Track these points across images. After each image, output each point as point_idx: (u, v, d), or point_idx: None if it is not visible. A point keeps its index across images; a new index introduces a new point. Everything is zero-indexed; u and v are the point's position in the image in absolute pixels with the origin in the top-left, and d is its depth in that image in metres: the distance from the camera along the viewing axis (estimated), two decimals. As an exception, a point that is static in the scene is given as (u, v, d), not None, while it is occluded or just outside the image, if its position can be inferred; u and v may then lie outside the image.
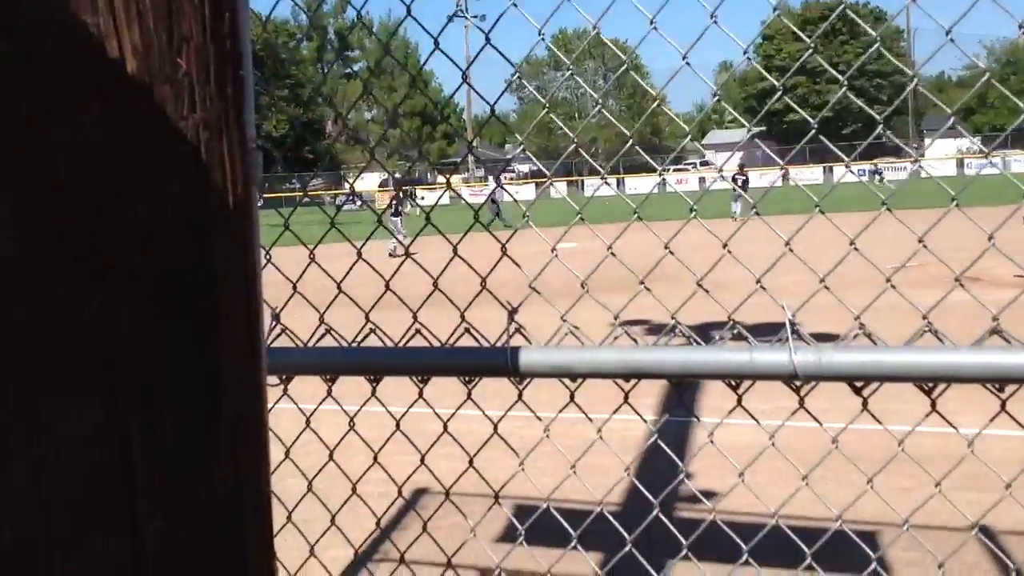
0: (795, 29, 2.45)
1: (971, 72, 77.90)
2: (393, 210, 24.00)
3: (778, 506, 1.95)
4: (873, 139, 2.03)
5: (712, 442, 1.89)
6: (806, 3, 78.58)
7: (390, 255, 19.51)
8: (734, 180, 29.21)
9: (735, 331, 1.90)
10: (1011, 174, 2.04)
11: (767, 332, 1.81)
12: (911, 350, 1.70)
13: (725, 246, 1.88)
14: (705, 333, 1.98)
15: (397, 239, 3.62)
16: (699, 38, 1.97)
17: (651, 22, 1.94)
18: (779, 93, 1.84)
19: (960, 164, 57.38)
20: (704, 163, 63.30)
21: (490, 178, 66.78)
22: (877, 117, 1.82)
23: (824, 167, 54.37)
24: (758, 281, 1.82)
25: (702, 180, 57.97)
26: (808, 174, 54.45)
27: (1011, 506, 1.94)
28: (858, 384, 1.76)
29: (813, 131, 1.78)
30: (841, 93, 1.83)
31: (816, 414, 1.88)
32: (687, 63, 1.92)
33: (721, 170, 11.28)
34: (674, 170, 63.08)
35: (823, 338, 1.83)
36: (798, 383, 1.77)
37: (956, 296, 1.78)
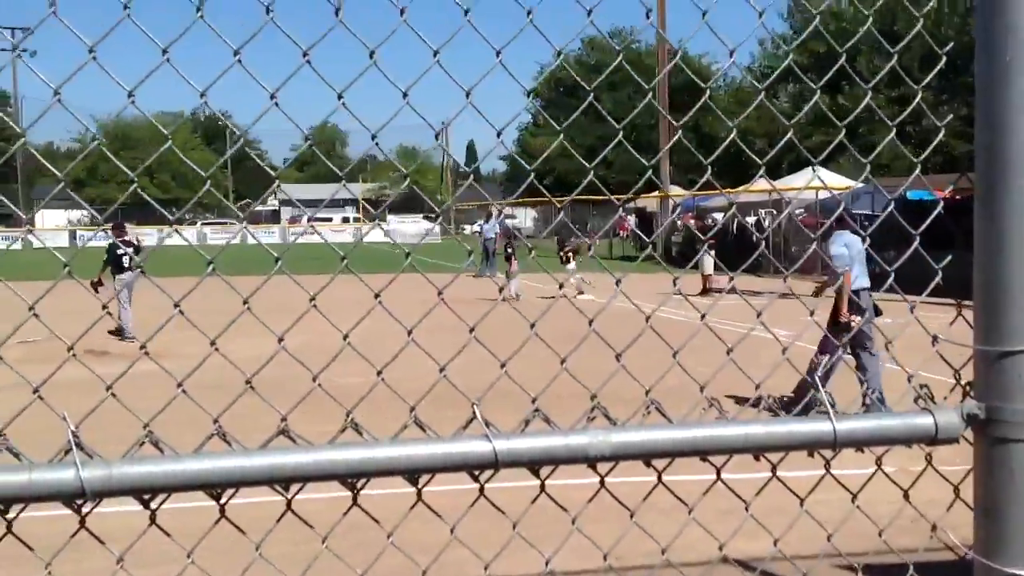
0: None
1: (82, 143, 79.14)
2: None
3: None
4: None
5: None
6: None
7: None
8: None
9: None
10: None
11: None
12: (199, 458, 1.66)
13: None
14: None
15: None
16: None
17: None
18: None
19: (73, 236, 58.22)
20: None
21: None
22: None
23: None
24: None
25: None
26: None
27: None
28: (146, 497, 1.66)
29: None
30: None
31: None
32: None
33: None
34: None
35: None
36: (80, 502, 1.59)
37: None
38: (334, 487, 1.73)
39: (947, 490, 2.09)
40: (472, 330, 1.99)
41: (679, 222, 30.81)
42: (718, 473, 2.00)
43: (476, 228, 37.02)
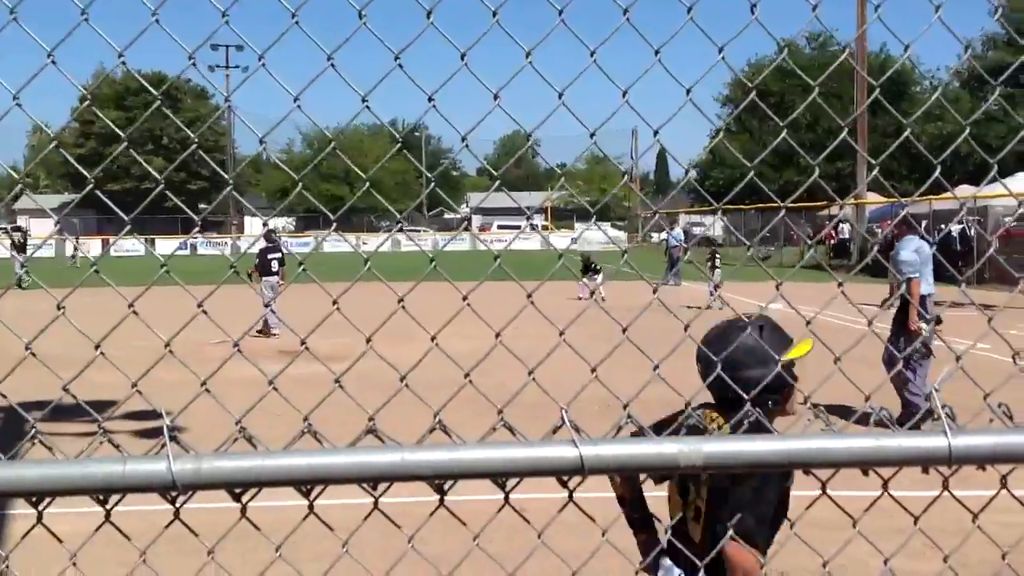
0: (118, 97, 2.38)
1: (288, 154, 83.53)
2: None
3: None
4: (209, 213, 2.04)
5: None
6: (128, 72, 77.87)
7: None
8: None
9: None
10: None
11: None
12: (288, 455, 1.71)
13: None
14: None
15: None
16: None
17: None
18: (107, 160, 1.75)
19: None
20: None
21: None
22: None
23: (146, 238, 54.02)
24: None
25: None
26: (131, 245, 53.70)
27: None
28: (238, 491, 1.72)
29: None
30: (168, 170, 1.81)
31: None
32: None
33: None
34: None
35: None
36: (175, 493, 1.67)
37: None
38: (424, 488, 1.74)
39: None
40: (623, 330, 1.97)
41: (878, 230, 29.44)
42: (823, 487, 1.90)
43: (663, 236, 36.75)
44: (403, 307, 1.83)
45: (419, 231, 73.29)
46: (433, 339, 1.84)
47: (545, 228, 71.45)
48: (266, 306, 2.15)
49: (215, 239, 62.10)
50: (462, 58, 1.83)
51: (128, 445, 1.73)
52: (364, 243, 58.91)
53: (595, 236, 58.96)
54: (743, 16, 1.91)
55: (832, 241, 41.09)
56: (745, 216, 49.00)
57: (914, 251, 9.21)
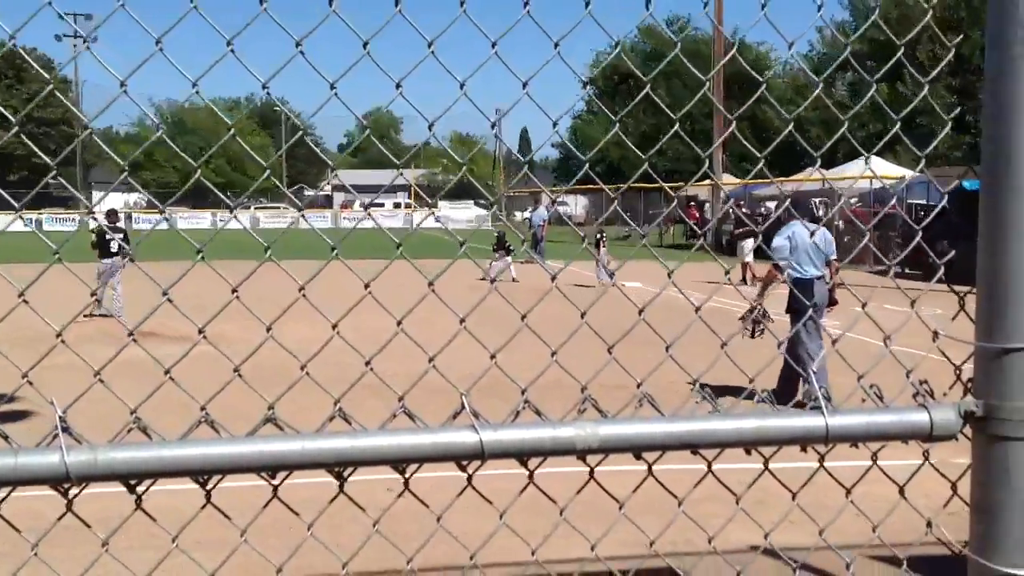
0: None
1: (140, 128, 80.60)
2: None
3: None
4: (41, 188, 1.97)
5: None
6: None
7: None
8: None
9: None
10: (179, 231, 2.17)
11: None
12: (187, 444, 1.69)
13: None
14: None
15: None
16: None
17: None
18: None
19: (128, 218, 58.93)
20: None
21: None
22: (51, 163, 1.71)
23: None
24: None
25: None
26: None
27: None
28: (132, 482, 1.69)
29: None
30: (9, 135, 1.77)
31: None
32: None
33: None
34: None
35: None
36: (67, 486, 1.63)
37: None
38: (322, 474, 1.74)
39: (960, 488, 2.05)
40: (524, 317, 2.00)
41: (730, 211, 30.50)
42: (709, 466, 1.99)
43: (526, 215, 37.09)
44: (303, 295, 1.82)
45: (279, 208, 71.76)
46: (334, 327, 1.84)
47: (408, 207, 71.05)
48: (93, 293, 2.09)
49: (62, 215, 59.19)
50: (297, 45, 1.82)
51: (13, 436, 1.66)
52: (222, 221, 57.23)
53: (460, 215, 59.10)
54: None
55: (695, 221, 42.28)
56: (606, 198, 49.87)
57: (786, 238, 9.55)
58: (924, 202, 26.28)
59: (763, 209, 36.71)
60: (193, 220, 58.25)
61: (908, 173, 27.33)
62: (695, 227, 38.27)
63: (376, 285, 1.81)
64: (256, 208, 70.23)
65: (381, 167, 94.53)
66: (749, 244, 23.31)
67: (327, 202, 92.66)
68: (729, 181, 38.63)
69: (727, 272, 2.14)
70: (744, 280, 23.08)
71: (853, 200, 30.08)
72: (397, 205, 73.48)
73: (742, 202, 34.86)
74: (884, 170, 28.59)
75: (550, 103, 1.91)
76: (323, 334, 1.81)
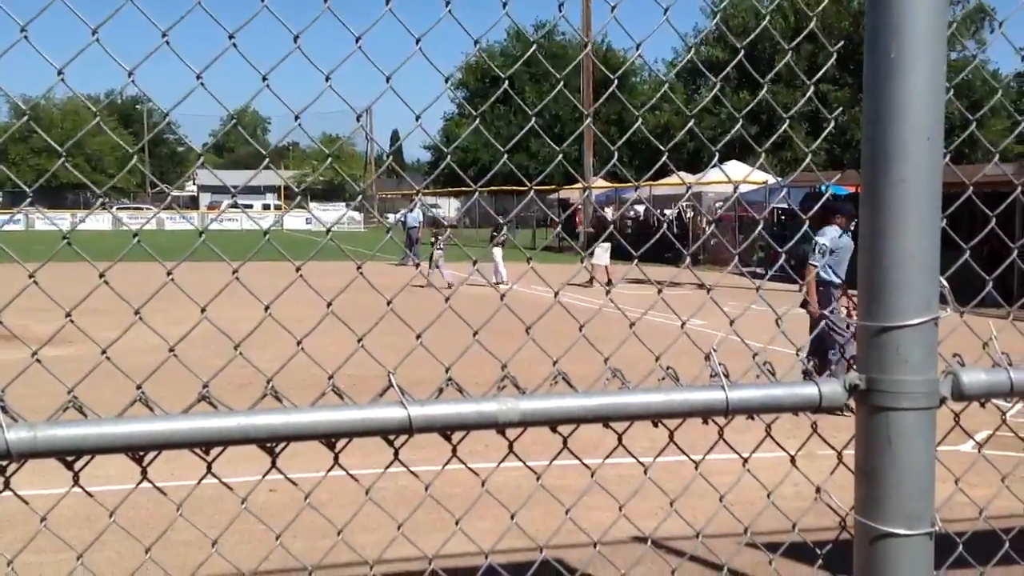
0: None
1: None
2: None
3: None
4: None
5: None
6: None
7: None
8: None
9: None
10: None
11: None
12: (126, 421, 1.73)
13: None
14: None
15: None
16: None
17: None
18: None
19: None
20: None
21: None
22: None
23: None
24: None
25: None
26: None
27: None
28: (70, 459, 1.72)
29: None
30: None
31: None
32: None
33: None
34: None
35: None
36: (6, 463, 1.65)
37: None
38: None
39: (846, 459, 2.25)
40: (390, 303, 2.09)
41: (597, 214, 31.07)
42: (619, 438, 2.13)
43: (400, 217, 37.10)
44: (172, 278, 1.87)
45: (141, 208, 69.44)
46: (266, 307, 1.90)
47: (279, 208, 69.84)
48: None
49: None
50: (163, 36, 1.84)
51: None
52: (81, 221, 54.87)
53: (329, 216, 58.34)
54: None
55: (579, 227, 42.80)
56: (479, 199, 50.06)
57: (829, 239, 9.64)
58: (786, 206, 27.41)
59: (633, 213, 37.60)
60: (48, 224, 55.75)
61: (772, 177, 28.52)
62: (566, 235, 38.81)
63: (243, 279, 1.86)
64: (118, 208, 67.73)
65: (248, 167, 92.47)
66: (601, 249, 23.61)
67: (192, 203, 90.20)
68: (597, 184, 39.39)
69: (591, 278, 2.29)
70: (592, 281, 23.15)
71: (719, 204, 31.11)
72: (266, 207, 72.15)
73: (609, 207, 35.56)
74: (741, 174, 29.65)
75: (421, 104, 1.98)
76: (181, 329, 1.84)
